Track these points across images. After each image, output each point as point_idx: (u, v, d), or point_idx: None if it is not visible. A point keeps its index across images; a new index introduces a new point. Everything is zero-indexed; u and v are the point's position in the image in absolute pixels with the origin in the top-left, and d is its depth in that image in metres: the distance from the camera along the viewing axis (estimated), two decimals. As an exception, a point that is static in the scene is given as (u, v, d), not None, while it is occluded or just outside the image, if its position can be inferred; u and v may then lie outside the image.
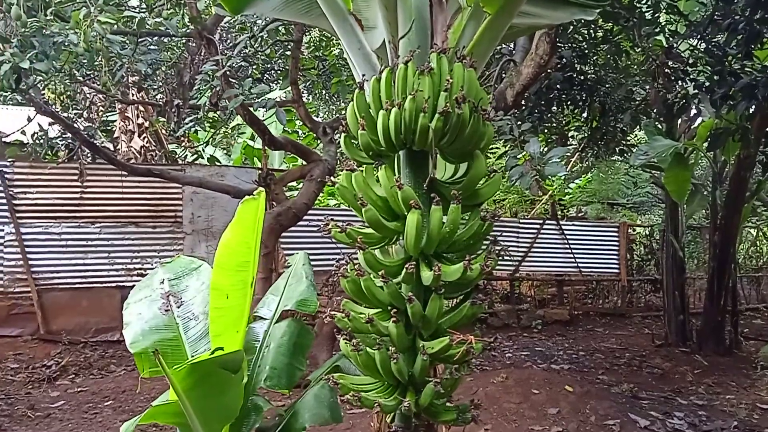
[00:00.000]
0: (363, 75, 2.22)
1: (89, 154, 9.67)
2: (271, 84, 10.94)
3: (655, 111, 8.95)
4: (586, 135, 10.65)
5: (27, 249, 9.17)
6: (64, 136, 9.19)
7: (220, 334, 2.23)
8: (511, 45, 7.38)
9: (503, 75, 7.14)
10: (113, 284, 9.61)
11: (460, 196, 1.79)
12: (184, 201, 10.11)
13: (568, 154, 13.21)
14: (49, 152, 9.71)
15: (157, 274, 3.22)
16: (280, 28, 8.55)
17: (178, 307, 2.98)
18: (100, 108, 11.76)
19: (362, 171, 1.95)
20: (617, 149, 10.50)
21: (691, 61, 7.27)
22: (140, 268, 9.76)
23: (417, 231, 1.77)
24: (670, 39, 7.32)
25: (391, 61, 2.17)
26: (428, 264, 1.83)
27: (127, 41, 7.16)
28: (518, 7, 2.27)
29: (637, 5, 6.96)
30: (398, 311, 1.85)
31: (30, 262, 9.18)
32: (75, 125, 9.04)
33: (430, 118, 1.78)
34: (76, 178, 9.48)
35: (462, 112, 1.77)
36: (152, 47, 8.48)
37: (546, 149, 10.15)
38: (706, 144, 9.78)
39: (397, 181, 1.79)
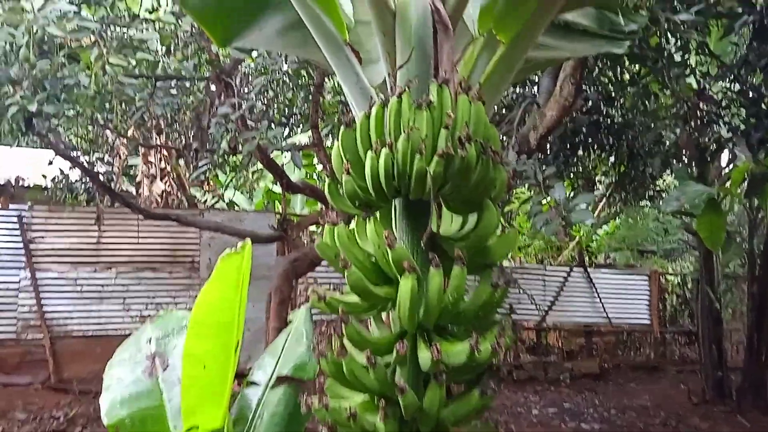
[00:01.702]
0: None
1: (108, 199, 9.62)
2: (293, 128, 10.87)
3: (686, 155, 8.60)
4: (613, 180, 10.33)
5: (42, 295, 9.04)
6: (83, 180, 9.17)
7: (194, 410, 1.93)
8: (534, 88, 7.16)
9: (526, 117, 6.90)
10: (128, 332, 9.38)
11: (466, 255, 1.48)
12: (202, 246, 9.95)
13: (596, 199, 12.84)
14: (69, 196, 9.69)
15: (145, 332, 2.93)
16: (302, 71, 8.49)
17: (164, 371, 2.68)
18: (123, 152, 11.79)
19: (350, 223, 1.66)
20: (646, 195, 10.15)
21: (724, 103, 6.95)
22: (156, 315, 9.54)
23: (411, 300, 1.45)
24: (702, 81, 7.02)
25: (390, 92, 1.92)
26: (427, 340, 1.51)
27: (145, 84, 7.12)
28: (537, 34, 2.02)
29: (666, 46, 6.70)
30: (389, 401, 1.53)
31: (44, 309, 9.03)
32: (95, 169, 9.03)
33: (428, 161, 1.50)
34: (93, 222, 9.40)
35: (467, 154, 1.49)
36: (172, 90, 8.46)
37: (572, 195, 9.83)
38: (740, 189, 9.36)
39: (387, 238, 1.49)
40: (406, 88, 1.64)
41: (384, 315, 1.74)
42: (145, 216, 8.71)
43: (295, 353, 2.68)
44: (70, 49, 5.82)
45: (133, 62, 6.78)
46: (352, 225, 1.70)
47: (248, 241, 2.03)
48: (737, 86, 6.76)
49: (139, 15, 7.27)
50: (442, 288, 1.47)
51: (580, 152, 8.96)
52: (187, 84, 8.39)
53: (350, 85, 2.06)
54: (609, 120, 8.27)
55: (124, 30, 5.95)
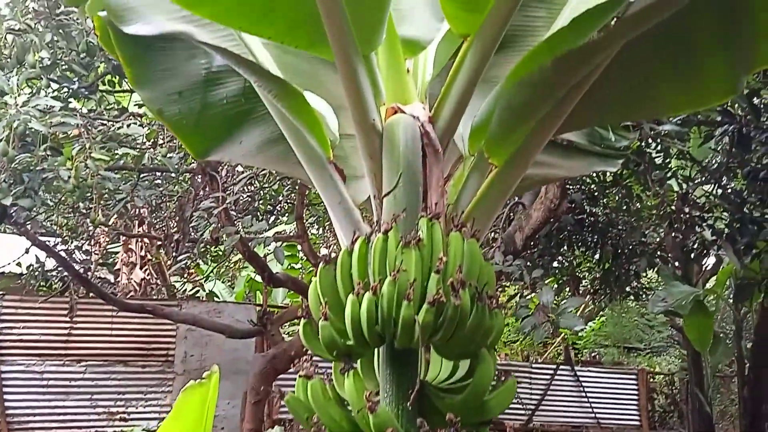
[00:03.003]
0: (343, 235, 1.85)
1: (83, 288, 9.33)
2: (278, 216, 10.80)
3: (670, 256, 8.60)
4: (598, 276, 10.27)
5: (4, 389, 8.57)
6: (59, 268, 8.92)
7: None
8: (520, 187, 7.17)
9: (512, 217, 6.89)
10: (93, 429, 8.89)
11: (460, 414, 1.31)
12: (178, 339, 9.60)
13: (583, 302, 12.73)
14: (43, 285, 9.40)
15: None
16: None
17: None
18: (104, 239, 11.58)
19: (326, 376, 1.50)
20: (631, 292, 10.08)
21: (707, 207, 6.99)
22: (124, 412, 9.07)
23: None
24: (683, 185, 7.10)
25: (376, 220, 1.82)
26: None
27: (128, 177, 7.04)
28: (532, 159, 1.95)
29: (647, 150, 6.80)
30: None
31: (6, 404, 8.53)
32: (73, 258, 8.80)
33: (416, 308, 1.37)
34: (66, 313, 9.07)
35: (460, 302, 1.37)
36: (157, 181, 8.40)
37: (557, 294, 9.72)
38: (726, 290, 9.33)
39: (369, 400, 1.33)
40: (393, 222, 1.53)
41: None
42: (120, 308, 8.43)
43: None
44: (53, 141, 5.75)
45: (117, 155, 6.74)
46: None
47: (215, 369, 1.85)
48: (719, 191, 6.83)
49: (127, 109, 7.31)
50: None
51: (565, 249, 8.93)
52: (172, 175, 8.35)
53: (333, 205, 1.95)
54: (593, 218, 8.29)
55: (110, 124, 5.92)
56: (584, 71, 1.67)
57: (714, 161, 7.20)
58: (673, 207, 7.44)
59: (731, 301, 9.08)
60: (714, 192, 6.98)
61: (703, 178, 6.82)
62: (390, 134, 1.83)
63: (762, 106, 5.62)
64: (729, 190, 6.48)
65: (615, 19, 2.13)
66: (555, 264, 9.40)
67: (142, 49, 2.21)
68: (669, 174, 7.12)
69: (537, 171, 2.43)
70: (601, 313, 13.58)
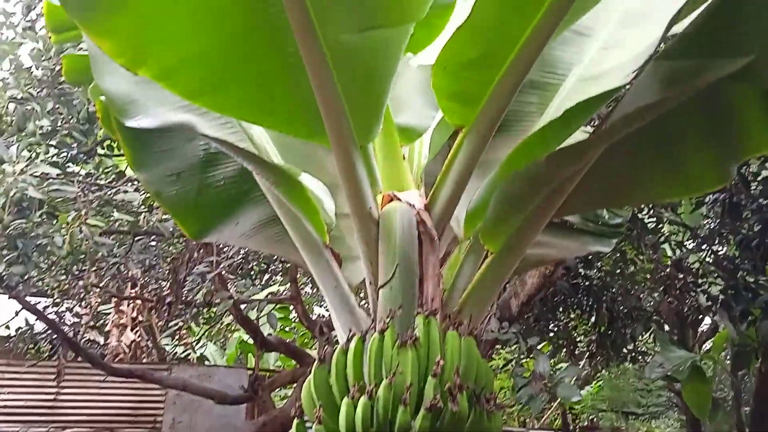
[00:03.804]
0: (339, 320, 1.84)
1: (72, 352, 9.18)
2: (273, 276, 10.73)
3: (666, 321, 8.55)
4: (594, 339, 10.18)
5: (-15, 458, 8.29)
6: (48, 331, 8.79)
7: None
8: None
9: (507, 284, 6.86)
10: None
11: None
12: (166, 404, 9.39)
13: (580, 367, 12.57)
14: (32, 348, 9.23)
15: None
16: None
17: None
18: (95, 300, 11.46)
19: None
20: (628, 356, 9.98)
21: (701, 272, 7.00)
22: (109, 482, 8.77)
23: None
24: (677, 250, 7.13)
25: (372, 310, 1.81)
26: None
27: (122, 241, 7.04)
28: (527, 246, 1.96)
29: (639, 215, 6.85)
30: None
31: (-13, 473, 8.25)
32: (63, 320, 8.69)
33: (412, 413, 1.35)
34: (53, 378, 8.89)
35: (458, 408, 1.35)
36: (151, 243, 8.38)
37: (553, 357, 9.60)
38: (723, 351, 9.24)
39: None
40: (390, 319, 1.52)
41: None
42: (108, 373, 8.26)
43: None
44: (49, 205, 5.76)
45: (113, 218, 6.75)
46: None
47: None
48: (712, 257, 6.85)
49: (125, 173, 7.35)
50: None
51: (560, 312, 8.87)
52: (166, 236, 8.34)
53: (329, 290, 1.95)
54: (588, 282, 8.28)
55: (107, 190, 5.96)
56: (576, 166, 1.70)
57: (706, 228, 7.25)
58: (667, 272, 7.45)
59: (729, 366, 8.98)
60: (707, 258, 7.01)
61: (696, 244, 6.86)
62: (386, 223, 1.85)
63: (750, 175, 5.70)
64: (722, 256, 6.49)
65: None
66: (551, 326, 9.34)
67: (142, 132, 2.24)
68: (662, 239, 7.16)
69: (532, 251, 2.43)
70: (598, 375, 13.39)
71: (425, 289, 1.76)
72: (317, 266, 1.98)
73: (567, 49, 2.39)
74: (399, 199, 1.90)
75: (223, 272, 7.42)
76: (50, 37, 3.42)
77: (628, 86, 2.05)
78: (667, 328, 8.79)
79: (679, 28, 2.02)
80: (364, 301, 2.44)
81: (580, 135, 2.24)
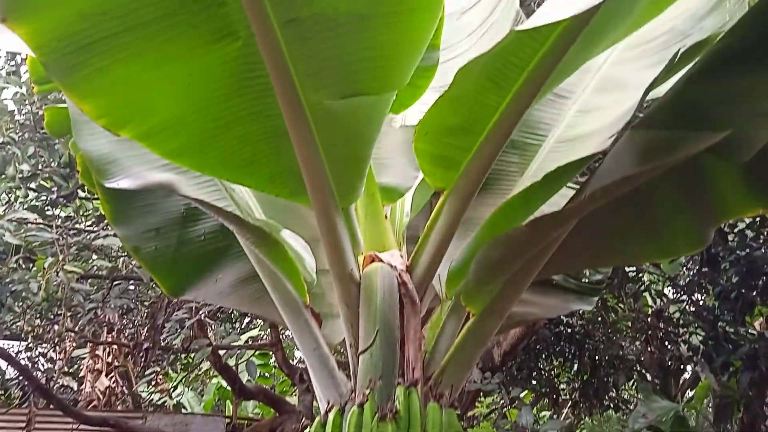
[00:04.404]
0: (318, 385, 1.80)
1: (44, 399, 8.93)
2: (254, 320, 10.59)
3: (648, 371, 8.55)
4: (576, 386, 10.12)
5: None
6: (20, 378, 8.57)
7: None
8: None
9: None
10: None
11: None
12: (140, 454, 9.08)
13: (562, 420, 12.45)
14: (2, 394, 8.98)
15: None
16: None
17: None
18: (70, 345, 11.21)
19: None
20: (611, 404, 9.92)
21: (681, 322, 7.04)
22: None
23: None
24: (658, 300, 7.18)
25: (352, 373, 1.78)
26: None
27: (99, 285, 6.94)
28: (508, 308, 1.96)
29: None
30: None
31: None
32: (36, 365, 8.49)
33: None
34: (23, 427, 8.60)
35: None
36: (130, 287, 8.26)
37: (535, 404, 9.51)
38: (705, 399, 9.21)
39: None
40: (369, 391, 1.50)
41: None
42: (81, 421, 8.02)
43: None
44: (26, 249, 5.68)
45: (92, 261, 6.66)
46: None
47: None
48: (692, 307, 6.89)
49: (105, 217, 7.29)
50: None
51: (543, 360, 8.83)
52: (145, 280, 8.23)
53: (308, 351, 1.93)
54: (570, 330, 8.26)
55: (86, 235, 5.89)
56: (557, 233, 1.71)
57: (686, 277, 7.32)
58: (648, 321, 7.48)
59: (711, 418, 8.95)
60: (687, 308, 7.05)
61: (676, 294, 6.91)
62: (367, 285, 1.84)
63: (727, 226, 5.79)
64: (702, 305, 6.54)
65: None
66: (534, 375, 9.28)
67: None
68: (642, 288, 7.21)
69: (514, 309, 2.43)
70: (581, 424, 13.24)
71: (406, 352, 1.74)
72: (297, 326, 1.96)
73: (546, 110, 2.44)
74: (381, 260, 1.90)
75: (203, 317, 7.31)
76: (33, 87, 3.43)
77: (607, 150, 2.09)
78: (649, 377, 8.77)
79: (656, 92, 2.07)
80: (343, 357, 2.41)
81: (564, 190, 2.27)
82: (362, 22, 1.48)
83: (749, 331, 6.35)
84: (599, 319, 8.18)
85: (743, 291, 5.58)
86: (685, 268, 7.33)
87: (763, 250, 5.55)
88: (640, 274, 7.19)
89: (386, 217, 2.11)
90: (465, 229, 2.13)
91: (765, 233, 5.69)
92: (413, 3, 1.46)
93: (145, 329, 9.61)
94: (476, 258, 1.77)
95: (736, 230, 5.66)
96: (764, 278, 5.67)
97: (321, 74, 1.58)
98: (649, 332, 7.17)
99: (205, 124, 1.72)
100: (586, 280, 2.85)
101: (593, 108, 2.36)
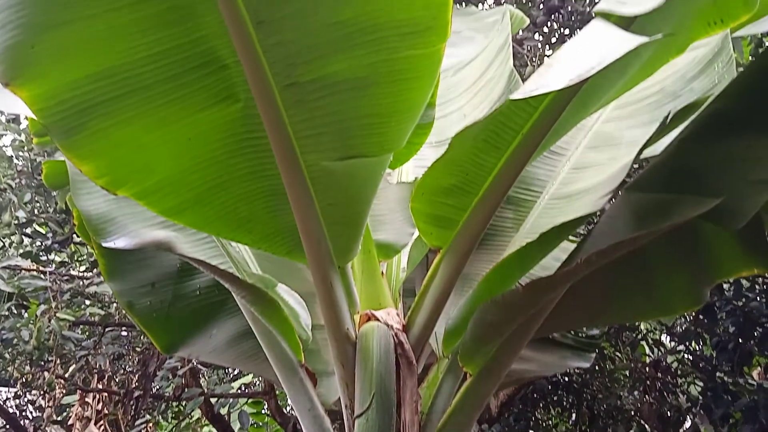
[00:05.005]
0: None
1: (30, 448, 8.70)
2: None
3: (648, 423, 8.41)
4: (575, 437, 9.94)
5: None
6: (6, 426, 8.37)
7: None
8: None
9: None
10: None
11: None
12: (127, 507, 8.82)
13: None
14: (-13, 444, 8.74)
15: None
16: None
17: None
18: (60, 391, 11.01)
19: None
20: (611, 455, 9.71)
21: (679, 372, 6.96)
22: None
23: None
24: (655, 349, 7.12)
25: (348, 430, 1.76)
26: None
27: (91, 332, 6.86)
28: (507, 368, 1.94)
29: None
30: None
31: None
32: (23, 414, 8.31)
33: None
34: (7, 476, 8.36)
35: None
36: (123, 333, 8.17)
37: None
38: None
39: None
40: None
41: None
42: (68, 473, 7.82)
43: None
44: (19, 297, 5.63)
45: (84, 308, 6.59)
46: None
47: None
48: (690, 356, 6.83)
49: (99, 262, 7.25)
50: None
51: (541, 410, 8.70)
52: (137, 328, 8.14)
53: (303, 412, 1.90)
54: (567, 379, 8.17)
55: (79, 282, 5.86)
56: (552, 295, 1.72)
57: (683, 325, 7.28)
58: (646, 371, 7.40)
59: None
60: (685, 358, 6.99)
61: (673, 342, 6.86)
62: (364, 345, 1.83)
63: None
64: (699, 355, 6.48)
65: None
66: (531, 425, 9.13)
67: (118, 242, 2.22)
68: (639, 336, 7.16)
69: (512, 367, 2.41)
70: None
71: (403, 415, 1.72)
72: (291, 386, 1.94)
73: (541, 166, 2.47)
74: (377, 319, 1.89)
75: (195, 363, 7.21)
76: (32, 139, 3.46)
77: (602, 209, 2.11)
78: (648, 428, 8.63)
79: (649, 150, 2.11)
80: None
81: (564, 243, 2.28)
82: (361, 87, 1.51)
83: (748, 381, 6.28)
84: (597, 367, 8.10)
85: (740, 341, 5.55)
86: (681, 317, 7.30)
87: (759, 300, 5.54)
88: (637, 323, 7.15)
89: (383, 273, 2.11)
90: (461, 285, 2.13)
91: (760, 283, 5.69)
92: (412, 70, 1.49)
93: (137, 376, 9.46)
94: (473, 319, 1.77)
95: (731, 279, 5.66)
96: (761, 329, 5.64)
97: (319, 136, 1.61)
98: (647, 382, 7.09)
99: (204, 183, 1.74)
100: (583, 335, 2.85)
101: (587, 165, 2.39)
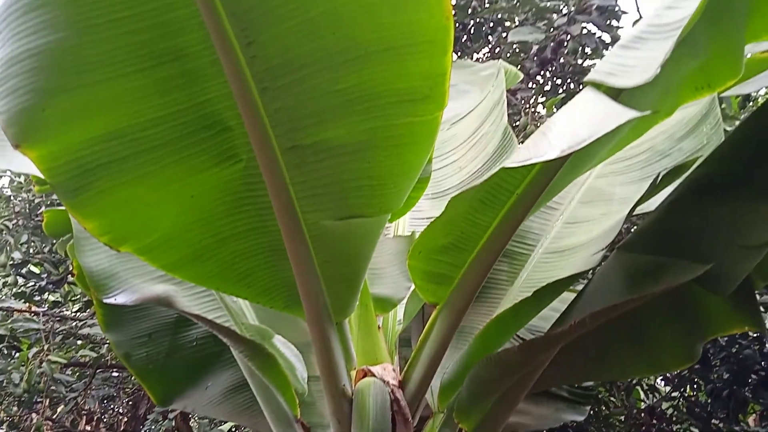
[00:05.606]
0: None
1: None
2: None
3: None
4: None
5: None
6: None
7: None
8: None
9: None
10: None
11: None
12: None
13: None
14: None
15: None
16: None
17: None
18: (46, 432, 10.80)
19: None
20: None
21: (674, 419, 6.90)
22: None
23: None
24: (650, 395, 7.07)
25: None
26: None
27: (81, 374, 6.79)
28: (503, 423, 1.96)
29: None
30: None
31: None
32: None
33: None
34: None
35: None
36: (114, 374, 8.08)
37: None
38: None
39: None
40: None
41: None
42: None
43: None
44: (11, 336, 5.58)
45: (75, 348, 6.53)
46: None
47: None
48: (685, 403, 6.78)
49: (92, 303, 7.22)
50: None
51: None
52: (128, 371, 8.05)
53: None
54: (563, 423, 8.10)
55: (72, 322, 5.83)
56: (546, 355, 1.74)
57: (678, 371, 7.24)
58: (642, 416, 7.33)
59: None
60: (680, 404, 6.94)
61: (667, 387, 6.81)
62: (360, 402, 1.84)
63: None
64: (694, 401, 6.43)
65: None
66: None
67: (117, 292, 2.24)
68: (634, 382, 7.12)
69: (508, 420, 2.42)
70: None
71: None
72: (286, 440, 1.93)
73: (535, 219, 2.52)
74: (373, 374, 1.90)
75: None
76: (34, 186, 3.49)
77: (595, 267, 2.15)
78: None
79: (642, 207, 2.16)
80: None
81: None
82: (360, 151, 1.56)
83: (744, 429, 6.23)
84: (592, 412, 8.03)
85: (735, 388, 5.53)
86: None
87: (752, 348, 5.54)
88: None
89: (379, 327, 2.13)
90: (457, 339, 2.15)
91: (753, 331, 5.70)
92: (410, 136, 1.54)
93: (126, 418, 9.31)
94: (469, 375, 1.78)
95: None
96: (755, 375, 5.63)
97: (320, 197, 1.65)
98: (643, 428, 7.02)
99: (204, 239, 1.77)
100: (577, 386, 2.85)
101: (580, 219, 2.44)
